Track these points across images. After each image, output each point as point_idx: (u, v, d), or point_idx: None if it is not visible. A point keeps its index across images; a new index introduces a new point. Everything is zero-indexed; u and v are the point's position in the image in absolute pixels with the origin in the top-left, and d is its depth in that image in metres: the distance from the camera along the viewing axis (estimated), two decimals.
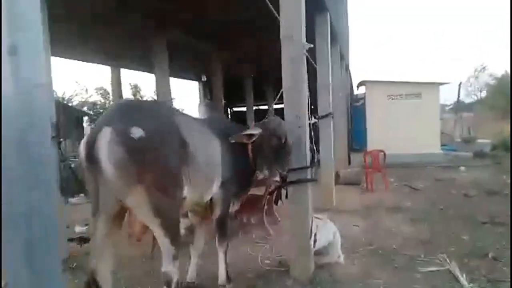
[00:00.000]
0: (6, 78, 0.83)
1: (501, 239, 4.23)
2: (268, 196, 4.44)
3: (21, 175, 0.86)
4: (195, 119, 2.91)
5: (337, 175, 8.07)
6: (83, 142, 2.05)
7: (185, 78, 14.06)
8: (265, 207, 4.59)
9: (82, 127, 20.13)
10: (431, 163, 10.17)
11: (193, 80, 14.36)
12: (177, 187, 2.23)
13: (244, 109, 14.98)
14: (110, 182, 1.98)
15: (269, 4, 2.93)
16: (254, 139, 3.00)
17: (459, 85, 17.35)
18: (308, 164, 3.28)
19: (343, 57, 10.69)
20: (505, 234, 4.39)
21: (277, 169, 3.03)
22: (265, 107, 16.99)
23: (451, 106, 25.08)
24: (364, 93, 13.78)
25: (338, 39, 8.65)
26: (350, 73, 14.92)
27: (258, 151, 3.07)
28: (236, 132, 3.01)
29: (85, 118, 20.45)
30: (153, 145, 2.06)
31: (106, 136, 1.96)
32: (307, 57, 3.79)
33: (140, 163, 2.00)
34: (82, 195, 6.57)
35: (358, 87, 15.58)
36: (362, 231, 4.78)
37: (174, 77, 12.53)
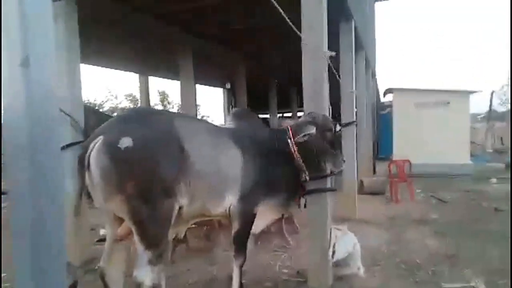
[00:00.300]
0: (18, 90, 0.88)
1: None
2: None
3: (30, 183, 0.90)
4: (211, 128, 2.82)
5: (361, 184, 7.92)
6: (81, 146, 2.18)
7: (209, 85, 14.27)
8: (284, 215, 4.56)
9: None
10: (460, 174, 9.79)
11: (217, 87, 14.54)
12: (164, 197, 2.21)
13: (267, 115, 15.01)
14: (96, 188, 2.10)
15: (284, 14, 2.93)
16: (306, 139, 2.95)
17: (491, 93, 16.67)
18: (328, 172, 3.23)
19: (369, 64, 10.54)
20: None
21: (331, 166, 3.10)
22: (289, 114, 16.97)
23: (483, 115, 24.16)
24: (391, 101, 13.50)
25: (364, 45, 8.55)
26: (376, 80, 14.67)
27: (307, 151, 2.98)
28: (265, 140, 2.97)
29: None
30: (139, 156, 2.10)
31: (97, 144, 2.08)
32: (330, 65, 3.78)
33: (123, 173, 2.07)
34: None
35: (385, 94, 15.27)
36: (385, 243, 4.65)
37: (199, 84, 12.75)
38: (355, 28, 6.50)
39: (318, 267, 3.22)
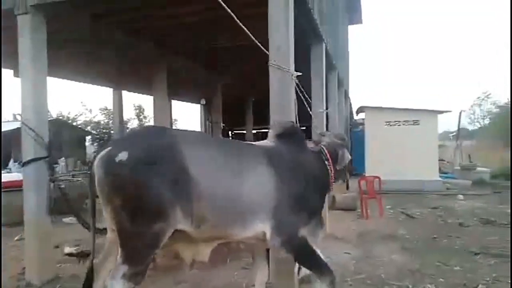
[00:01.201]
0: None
1: (492, 271, 4.17)
2: None
3: None
4: (233, 147, 2.66)
5: (333, 200, 8.04)
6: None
7: (185, 101, 14.28)
8: None
9: (85, 146, 20.29)
10: (429, 191, 10.11)
11: (193, 102, 14.57)
12: (153, 219, 2.13)
13: (244, 131, 15.11)
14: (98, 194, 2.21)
15: (251, 35, 3.04)
16: None
17: (460, 113, 17.43)
18: None
19: (342, 84, 10.87)
20: (497, 266, 4.34)
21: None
22: (266, 130, 17.07)
23: (454, 133, 25.11)
24: (363, 119, 13.88)
25: (337, 66, 8.84)
26: (349, 99, 15.10)
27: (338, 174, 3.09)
28: (306, 160, 2.83)
29: (88, 138, 20.62)
30: (130, 171, 2.08)
31: (101, 155, 2.19)
32: (300, 85, 3.89)
33: (112, 185, 2.13)
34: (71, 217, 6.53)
35: (357, 112, 15.72)
36: (353, 259, 4.73)
37: (175, 99, 12.74)
38: (327, 50, 6.73)
39: (285, 284, 3.24)
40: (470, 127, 42.69)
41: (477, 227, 6.37)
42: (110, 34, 6.44)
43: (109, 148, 2.20)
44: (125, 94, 10.69)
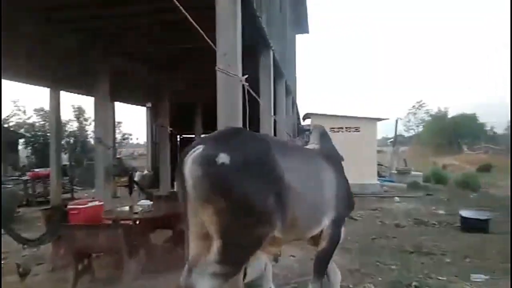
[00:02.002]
0: None
1: (424, 268, 4.50)
2: None
3: None
4: (304, 152, 2.86)
5: None
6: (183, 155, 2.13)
7: (130, 103, 13.75)
8: None
9: (17, 150, 18.70)
10: (369, 193, 10.69)
11: (139, 105, 14.08)
12: (256, 224, 2.12)
13: (193, 135, 14.87)
14: (189, 195, 2.05)
15: (206, 37, 3.02)
16: None
17: (396, 121, 18.70)
18: None
19: (289, 91, 11.15)
20: (429, 264, 4.69)
21: None
22: None
23: (391, 140, 26.80)
24: (309, 125, 14.36)
25: (285, 74, 9.05)
26: (297, 106, 15.53)
27: None
28: (339, 160, 3.13)
29: (21, 141, 19.07)
30: (236, 174, 2.03)
31: (195, 153, 2.04)
32: (248, 90, 3.92)
33: (215, 187, 2.00)
34: None
35: (304, 119, 16.23)
36: (297, 261, 4.84)
37: (117, 101, 12.21)
38: (275, 57, 6.88)
39: None
40: (406, 134, 45.97)
41: (412, 227, 6.84)
42: (47, 30, 6.04)
43: (199, 149, 2.05)
44: (64, 94, 10.07)
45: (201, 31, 2.71)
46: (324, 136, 3.38)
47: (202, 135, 14.73)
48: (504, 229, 6.49)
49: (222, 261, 2.06)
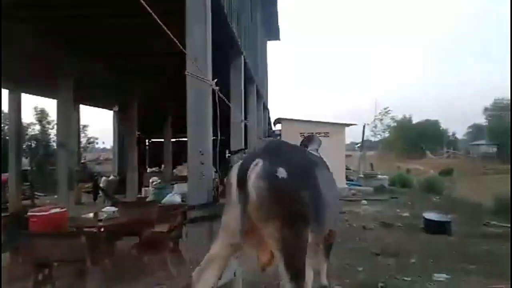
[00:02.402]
0: None
1: (390, 270, 4.62)
2: (173, 234, 4.30)
3: None
4: (321, 161, 3.01)
5: None
6: (236, 168, 2.32)
7: (96, 107, 13.32)
8: (170, 245, 4.42)
9: None
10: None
11: (105, 108, 13.67)
12: (305, 228, 2.27)
13: (162, 140, 14.61)
14: (252, 209, 2.17)
15: (177, 42, 2.98)
16: None
17: (364, 126, 19.25)
18: (211, 200, 3.27)
19: (261, 97, 11.23)
20: (394, 265, 4.82)
21: None
22: (185, 139, 16.70)
23: (359, 144, 27.54)
24: (280, 130, 14.49)
25: (256, 80, 9.12)
26: (268, 111, 15.65)
27: None
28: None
29: None
30: (291, 187, 2.23)
31: (256, 168, 2.19)
32: (219, 95, 3.91)
33: (278, 200, 2.17)
34: None
35: (275, 124, 16.36)
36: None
37: (84, 104, 11.79)
38: (246, 63, 6.92)
39: None
40: (373, 139, 47.41)
41: (378, 229, 7.02)
42: (7, 29, 5.75)
43: (259, 163, 2.22)
44: (26, 96, 9.58)
45: (171, 35, 2.67)
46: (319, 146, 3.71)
47: (172, 139, 14.53)
48: (464, 230, 6.82)
49: (292, 276, 2.21)
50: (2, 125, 19.19)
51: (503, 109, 46.50)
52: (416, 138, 42.39)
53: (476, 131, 52.15)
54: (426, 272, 4.43)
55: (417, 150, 37.49)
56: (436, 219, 6.77)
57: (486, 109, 47.65)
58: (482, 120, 48.94)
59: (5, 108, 17.85)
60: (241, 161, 2.44)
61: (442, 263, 4.83)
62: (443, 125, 51.15)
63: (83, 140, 25.58)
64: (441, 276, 4.25)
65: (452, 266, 4.70)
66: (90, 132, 27.84)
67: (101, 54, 7.59)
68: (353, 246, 5.79)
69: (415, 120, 50.12)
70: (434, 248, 5.58)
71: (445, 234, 6.35)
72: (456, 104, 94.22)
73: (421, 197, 11.88)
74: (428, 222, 6.69)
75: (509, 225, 7.21)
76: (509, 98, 45.59)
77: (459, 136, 53.85)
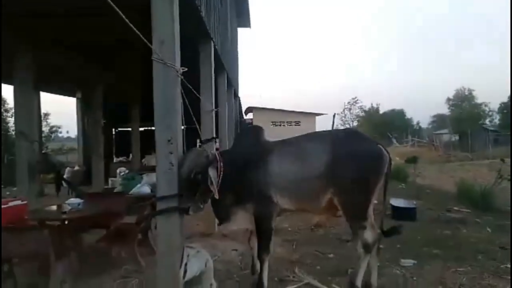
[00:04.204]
0: None
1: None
2: (142, 225, 4.17)
3: None
4: None
5: None
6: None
7: (58, 94, 12.65)
8: (138, 237, 4.30)
9: None
10: None
11: (69, 96, 13.02)
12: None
13: (129, 129, 14.15)
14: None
15: (134, 27, 2.82)
16: None
17: (334, 115, 19.53)
18: (179, 191, 3.15)
19: (231, 84, 11.07)
20: None
21: None
22: (154, 128, 16.29)
23: None
24: (252, 119, 14.45)
25: (226, 67, 8.94)
26: (239, 100, 15.51)
27: None
28: None
29: None
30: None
31: (380, 151, 3.48)
32: (188, 83, 3.77)
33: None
34: None
35: (246, 113, 16.28)
36: (240, 255, 4.83)
37: (44, 91, 11.15)
38: (216, 49, 6.74)
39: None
40: (342, 128, 48.37)
41: None
42: None
43: (376, 146, 3.49)
44: None
45: (124, 17, 2.50)
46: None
47: (141, 128, 14.13)
48: (428, 216, 7.09)
49: (356, 220, 3.55)
50: None
51: (464, 99, 48.74)
52: (383, 127, 43.69)
53: (439, 120, 54.50)
54: (394, 257, 4.56)
55: (384, 139, 38.61)
56: (402, 206, 6.98)
57: (448, 100, 49.78)
58: (445, 110, 51.19)
59: None
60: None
61: (409, 248, 4.99)
62: (408, 115, 53.13)
63: (45, 129, 24.47)
64: (407, 262, 4.39)
65: (418, 250, 4.87)
66: (53, 121, 26.70)
67: (64, 39, 7.17)
68: (324, 234, 5.89)
69: (382, 110, 51.68)
70: (401, 234, 5.75)
71: (410, 220, 6.56)
72: (421, 94, 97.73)
73: (388, 184, 12.21)
74: (395, 208, 6.89)
75: (469, 210, 7.60)
76: (469, 90, 47.71)
77: (423, 125, 56.05)
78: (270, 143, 3.64)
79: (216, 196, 3.20)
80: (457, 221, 6.60)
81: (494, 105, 48.08)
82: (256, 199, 3.41)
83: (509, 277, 3.93)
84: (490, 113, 48.53)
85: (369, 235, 3.48)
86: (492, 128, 42.05)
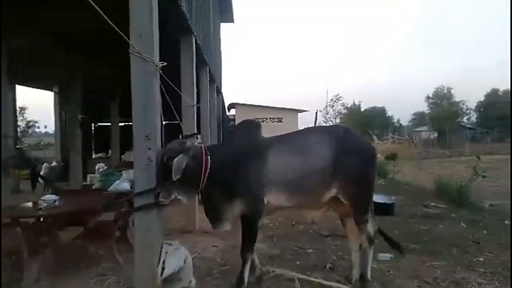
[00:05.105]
0: None
1: (338, 251, 4.79)
2: (119, 222, 4.11)
3: None
4: None
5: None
6: None
7: (34, 87, 12.28)
8: (116, 234, 4.23)
9: None
10: None
11: (45, 89, 12.66)
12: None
13: (109, 124, 13.88)
14: None
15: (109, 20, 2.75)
16: None
17: (316, 112, 19.72)
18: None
19: (213, 80, 10.99)
20: (342, 246, 4.99)
21: None
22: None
23: None
24: (234, 115, 14.42)
25: (208, 61, 8.86)
26: (222, 96, 15.42)
27: None
28: None
29: None
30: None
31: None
32: (170, 78, 3.72)
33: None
34: None
35: (229, 109, 16.21)
36: (220, 251, 4.82)
37: (20, 85, 10.80)
38: (198, 44, 6.66)
39: (147, 287, 3.06)
40: (325, 125, 48.81)
41: (327, 212, 7.21)
42: None
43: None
44: None
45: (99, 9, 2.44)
46: None
47: (120, 123, 13.89)
48: (406, 211, 7.24)
49: (362, 214, 3.58)
50: None
51: (443, 97, 49.91)
52: (364, 124, 44.30)
53: (419, 118, 55.67)
54: (372, 251, 4.62)
55: (365, 135, 39.20)
56: (381, 201, 7.10)
57: (428, 98, 50.88)
58: (424, 108, 52.32)
59: None
60: None
61: (386, 243, 5.07)
62: (389, 112, 54.08)
63: (21, 124, 23.76)
64: (385, 256, 4.47)
65: None
66: (30, 115, 25.96)
67: (40, 30, 6.96)
68: (304, 229, 5.93)
69: (363, 107, 52.39)
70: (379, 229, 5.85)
71: (389, 215, 6.69)
72: (401, 92, 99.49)
73: None
74: (375, 204, 6.98)
75: (445, 206, 7.80)
76: (448, 87, 48.81)
77: (404, 122, 57.15)
78: (268, 139, 3.54)
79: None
80: (433, 217, 6.76)
81: (471, 103, 49.57)
82: (246, 198, 3.25)
83: (481, 270, 4.07)
84: (468, 111, 49.93)
85: (371, 228, 3.55)
86: (469, 126, 43.30)
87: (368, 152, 3.54)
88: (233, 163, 3.27)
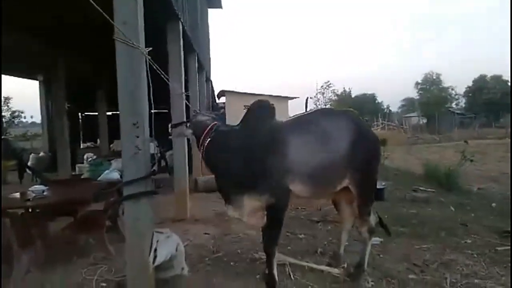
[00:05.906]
0: None
1: (328, 236, 4.84)
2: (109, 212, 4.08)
3: None
4: None
5: (195, 183, 8.08)
6: None
7: (18, 76, 11.97)
8: (107, 223, 4.20)
9: None
10: None
11: (30, 79, 12.37)
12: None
13: (96, 113, 13.67)
14: None
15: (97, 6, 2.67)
16: None
17: (306, 99, 19.66)
18: (146, 175, 3.07)
19: (202, 67, 10.85)
20: (332, 231, 5.05)
21: None
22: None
23: None
24: (224, 103, 14.32)
25: (196, 48, 8.73)
26: (211, 83, 15.28)
27: None
28: None
29: None
30: None
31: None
32: (158, 65, 3.64)
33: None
34: None
35: (219, 96, 16.08)
36: (212, 238, 4.84)
37: (4, 74, 10.51)
38: (185, 30, 6.54)
39: (138, 275, 3.06)
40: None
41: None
42: None
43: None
44: None
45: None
46: None
47: (108, 113, 13.70)
48: (395, 196, 7.34)
49: (365, 205, 3.51)
50: None
51: (431, 83, 50.26)
52: (355, 110, 44.46)
53: (408, 104, 56.07)
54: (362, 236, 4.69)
55: None
56: None
57: (417, 84, 51.20)
58: (414, 94, 52.65)
59: None
60: None
61: (377, 226, 5.14)
62: (379, 99, 54.37)
63: (7, 114, 23.31)
64: (375, 239, 4.52)
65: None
66: (15, 105, 25.48)
67: (23, 19, 6.75)
68: (295, 215, 5.98)
69: (354, 94, 52.58)
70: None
71: (379, 200, 6.77)
72: (391, 78, 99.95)
73: None
74: None
75: (434, 190, 7.92)
76: (437, 73, 49.15)
77: (393, 109, 57.55)
78: (284, 122, 3.33)
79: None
80: (422, 200, 6.86)
81: (460, 89, 49.99)
82: (272, 188, 2.98)
83: (469, 251, 4.16)
84: (457, 96, 50.40)
85: (372, 219, 3.54)
86: (458, 111, 43.80)
87: (376, 140, 3.50)
88: (251, 148, 3.06)
